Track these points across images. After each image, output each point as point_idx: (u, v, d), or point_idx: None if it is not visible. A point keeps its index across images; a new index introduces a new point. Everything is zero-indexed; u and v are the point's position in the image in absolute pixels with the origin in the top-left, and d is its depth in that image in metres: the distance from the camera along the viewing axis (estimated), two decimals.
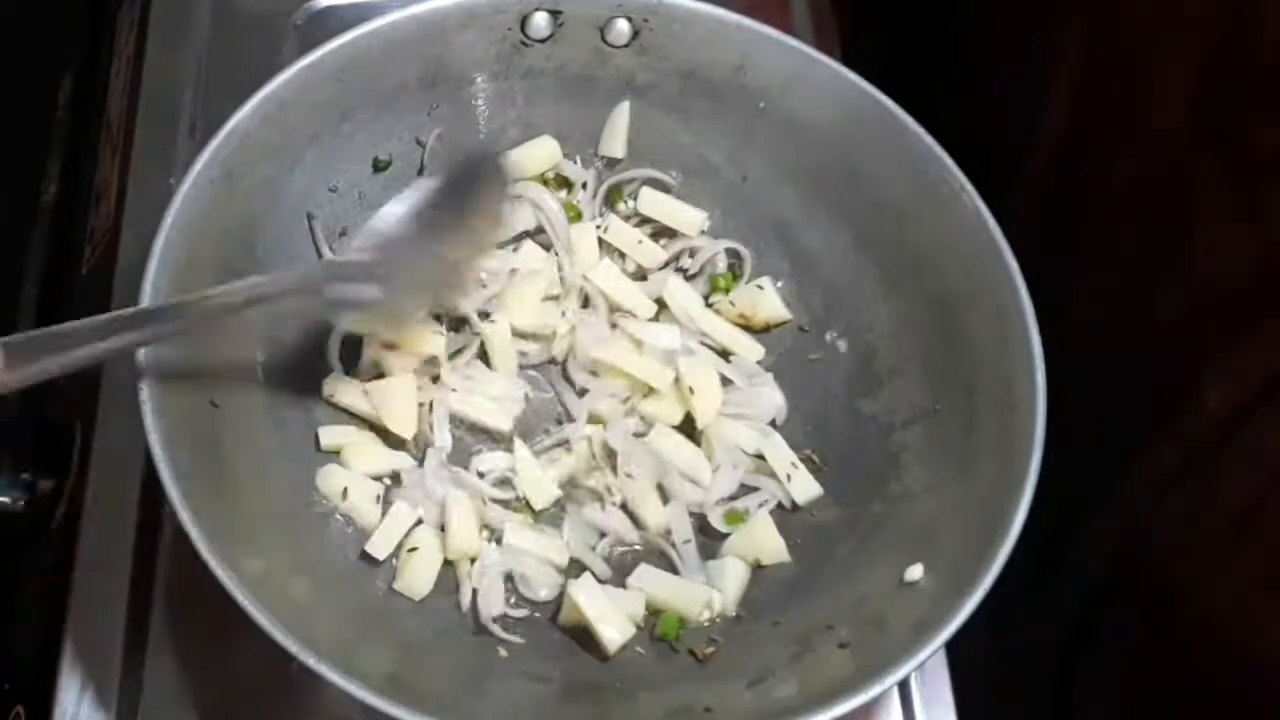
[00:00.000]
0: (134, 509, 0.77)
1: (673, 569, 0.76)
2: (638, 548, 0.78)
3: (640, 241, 0.85)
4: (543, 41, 0.82)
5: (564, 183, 0.86)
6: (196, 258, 0.71)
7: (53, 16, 1.06)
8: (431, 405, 0.78)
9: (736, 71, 0.81)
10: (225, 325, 0.69)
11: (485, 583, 0.74)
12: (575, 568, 0.76)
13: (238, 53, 0.94)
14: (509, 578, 0.75)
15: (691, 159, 0.85)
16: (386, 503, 0.76)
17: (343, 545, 0.74)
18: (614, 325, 0.83)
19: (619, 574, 0.76)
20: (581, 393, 0.81)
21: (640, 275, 0.85)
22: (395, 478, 0.77)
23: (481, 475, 0.77)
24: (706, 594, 0.75)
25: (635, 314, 0.83)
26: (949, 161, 0.76)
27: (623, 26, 0.81)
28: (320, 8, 0.97)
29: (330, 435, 0.77)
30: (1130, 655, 0.87)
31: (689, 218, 0.85)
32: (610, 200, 0.86)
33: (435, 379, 0.79)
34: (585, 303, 0.83)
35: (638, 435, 0.79)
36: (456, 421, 0.79)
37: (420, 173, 0.83)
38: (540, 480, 0.77)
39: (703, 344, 0.83)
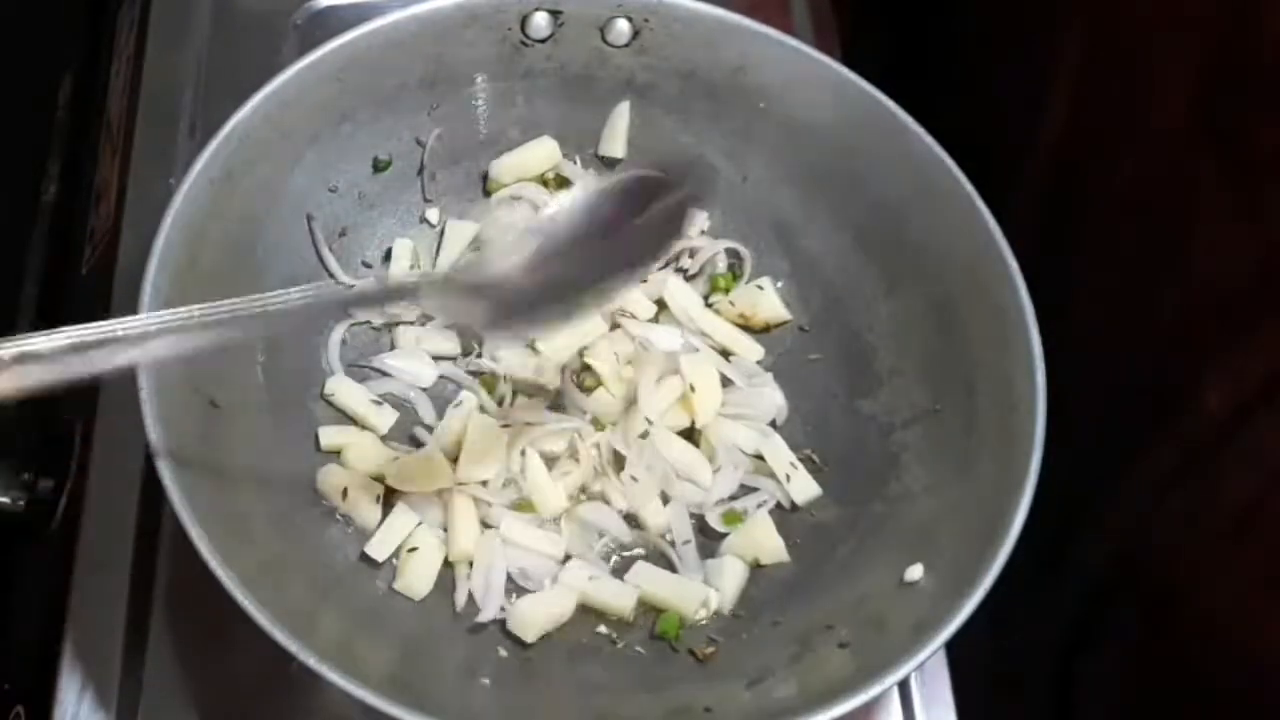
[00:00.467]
0: (134, 509, 0.77)
1: (672, 569, 0.76)
2: (640, 551, 0.78)
3: None
4: (543, 41, 0.82)
5: (564, 183, 0.86)
6: (196, 258, 0.71)
7: (53, 16, 1.06)
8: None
9: (736, 71, 0.81)
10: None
11: (485, 582, 0.74)
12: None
13: (238, 53, 0.94)
14: (509, 577, 0.75)
15: (692, 159, 0.85)
16: (387, 504, 0.76)
17: (343, 545, 0.74)
18: (615, 326, 0.83)
19: (618, 574, 0.76)
20: (589, 390, 0.81)
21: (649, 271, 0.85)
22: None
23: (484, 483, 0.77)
24: (704, 592, 0.75)
25: (635, 314, 0.83)
26: (949, 161, 0.76)
27: (623, 26, 0.81)
28: (320, 8, 0.97)
29: (330, 435, 0.77)
30: (1130, 655, 0.87)
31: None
32: None
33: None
34: None
35: (640, 437, 0.79)
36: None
37: (420, 173, 0.83)
38: (550, 492, 0.77)
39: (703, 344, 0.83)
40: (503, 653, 0.73)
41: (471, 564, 0.75)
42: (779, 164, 0.83)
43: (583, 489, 0.79)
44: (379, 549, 0.74)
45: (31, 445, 0.80)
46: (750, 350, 0.83)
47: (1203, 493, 0.78)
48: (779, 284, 0.85)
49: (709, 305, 0.85)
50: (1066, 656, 0.92)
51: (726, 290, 0.85)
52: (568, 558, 0.76)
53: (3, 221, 0.99)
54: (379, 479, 0.76)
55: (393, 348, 0.82)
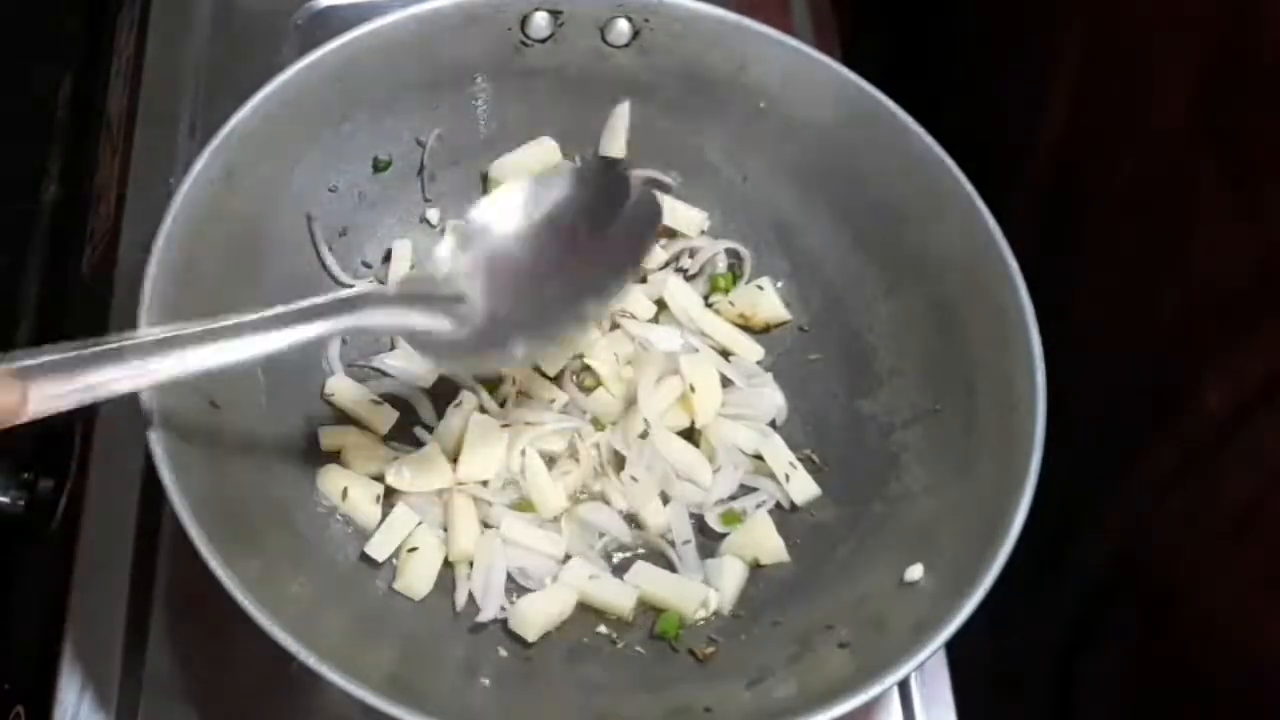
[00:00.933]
0: (134, 509, 0.77)
1: (672, 569, 0.76)
2: (641, 552, 0.78)
3: None
4: (543, 41, 0.82)
5: None
6: (196, 258, 0.71)
7: (53, 16, 1.06)
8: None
9: (736, 71, 0.81)
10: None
11: (485, 582, 0.74)
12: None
13: (238, 53, 0.94)
14: (509, 577, 0.75)
15: (691, 159, 0.85)
16: (387, 503, 0.76)
17: (343, 545, 0.74)
18: (615, 326, 0.83)
19: (618, 574, 0.76)
20: (589, 390, 0.81)
21: (640, 276, 0.85)
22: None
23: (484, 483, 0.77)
24: (703, 592, 0.75)
25: (635, 314, 0.83)
26: (949, 161, 0.76)
27: (623, 26, 0.81)
28: (320, 8, 0.97)
29: (330, 435, 0.77)
30: (1130, 655, 0.87)
31: (689, 218, 0.85)
32: None
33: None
34: None
35: (640, 436, 0.79)
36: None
37: (420, 173, 0.83)
38: (550, 492, 0.77)
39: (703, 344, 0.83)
40: (503, 653, 0.73)
41: (471, 564, 0.75)
42: (779, 164, 0.83)
43: (583, 489, 0.79)
44: (379, 549, 0.74)
45: (31, 445, 0.80)
46: (750, 350, 0.84)
47: (1203, 493, 0.78)
48: (779, 284, 0.85)
49: (709, 305, 0.85)
50: (1066, 656, 0.92)
51: (726, 290, 0.85)
52: (568, 557, 0.76)
53: (3, 221, 0.99)
54: (379, 479, 0.76)
55: (393, 348, 0.82)
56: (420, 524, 0.75)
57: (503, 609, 0.74)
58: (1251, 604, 0.75)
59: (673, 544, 0.77)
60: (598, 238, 0.65)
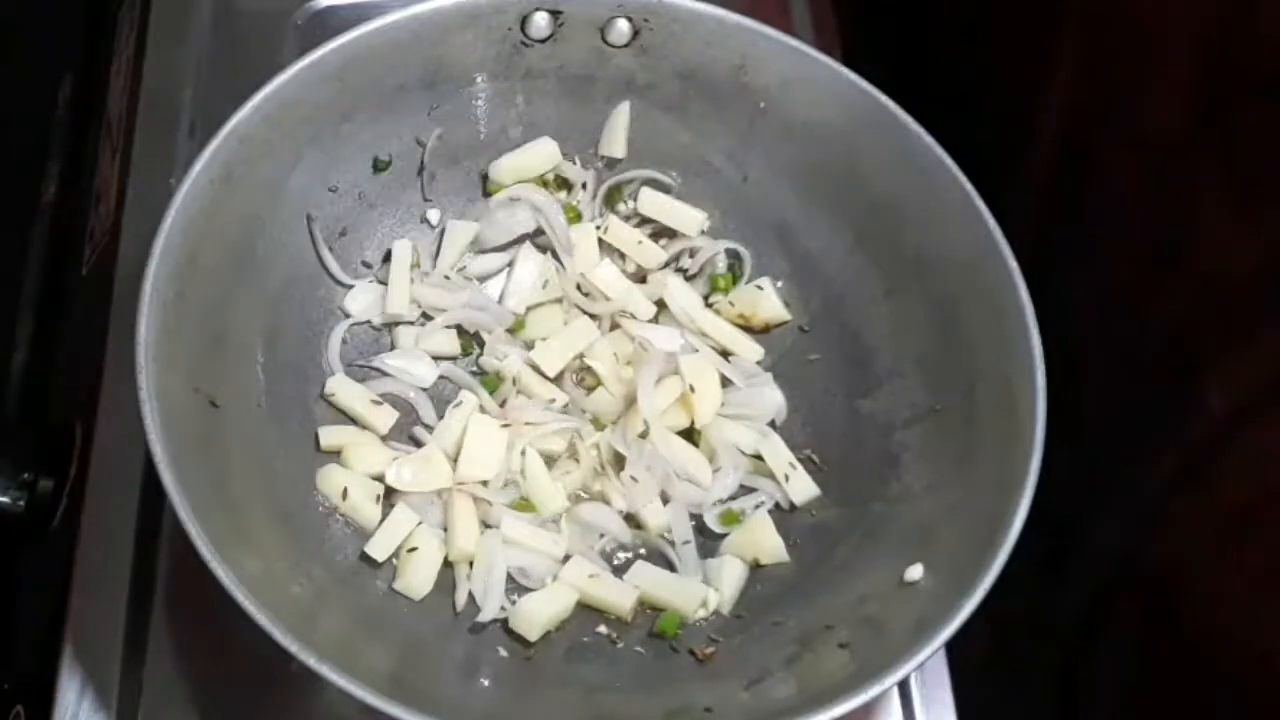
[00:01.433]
0: (134, 509, 0.77)
1: (672, 569, 0.76)
2: (641, 553, 0.78)
3: (640, 242, 0.85)
4: (543, 41, 0.82)
5: (564, 184, 0.86)
6: (196, 258, 0.71)
7: (53, 16, 1.06)
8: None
9: (736, 71, 0.81)
10: None
11: (485, 581, 0.74)
12: None
13: (238, 53, 0.94)
14: (509, 577, 0.75)
15: (691, 159, 0.85)
16: (387, 503, 0.76)
17: (343, 545, 0.74)
18: (615, 326, 0.83)
19: (618, 574, 0.76)
20: (589, 390, 0.81)
21: (640, 276, 0.85)
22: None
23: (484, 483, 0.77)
24: (703, 592, 0.75)
25: (635, 314, 0.83)
26: (949, 161, 0.76)
27: (623, 26, 0.81)
28: (320, 8, 0.97)
29: (330, 435, 0.77)
30: (1131, 656, 0.87)
31: (689, 218, 0.85)
32: (610, 201, 0.86)
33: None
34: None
35: (640, 436, 0.79)
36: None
37: (420, 173, 0.83)
38: (550, 491, 0.77)
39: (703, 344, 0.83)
40: (503, 653, 0.73)
41: (471, 564, 0.75)
42: (779, 164, 0.83)
43: (583, 489, 0.79)
44: (379, 549, 0.74)
45: (31, 445, 0.80)
46: (750, 350, 0.84)
47: (1203, 493, 0.78)
48: (779, 284, 0.85)
49: (709, 305, 0.85)
50: (1067, 657, 0.92)
51: (726, 290, 0.85)
52: (568, 557, 0.76)
53: (3, 221, 0.99)
54: (379, 479, 0.76)
55: (393, 348, 0.82)
56: (420, 524, 0.75)
57: (503, 609, 0.74)
58: (1252, 604, 0.74)
59: (672, 544, 0.77)
60: None
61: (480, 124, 0.84)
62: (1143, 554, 0.84)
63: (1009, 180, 0.85)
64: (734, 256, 0.86)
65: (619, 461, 0.79)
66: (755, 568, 0.77)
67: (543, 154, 0.85)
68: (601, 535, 0.77)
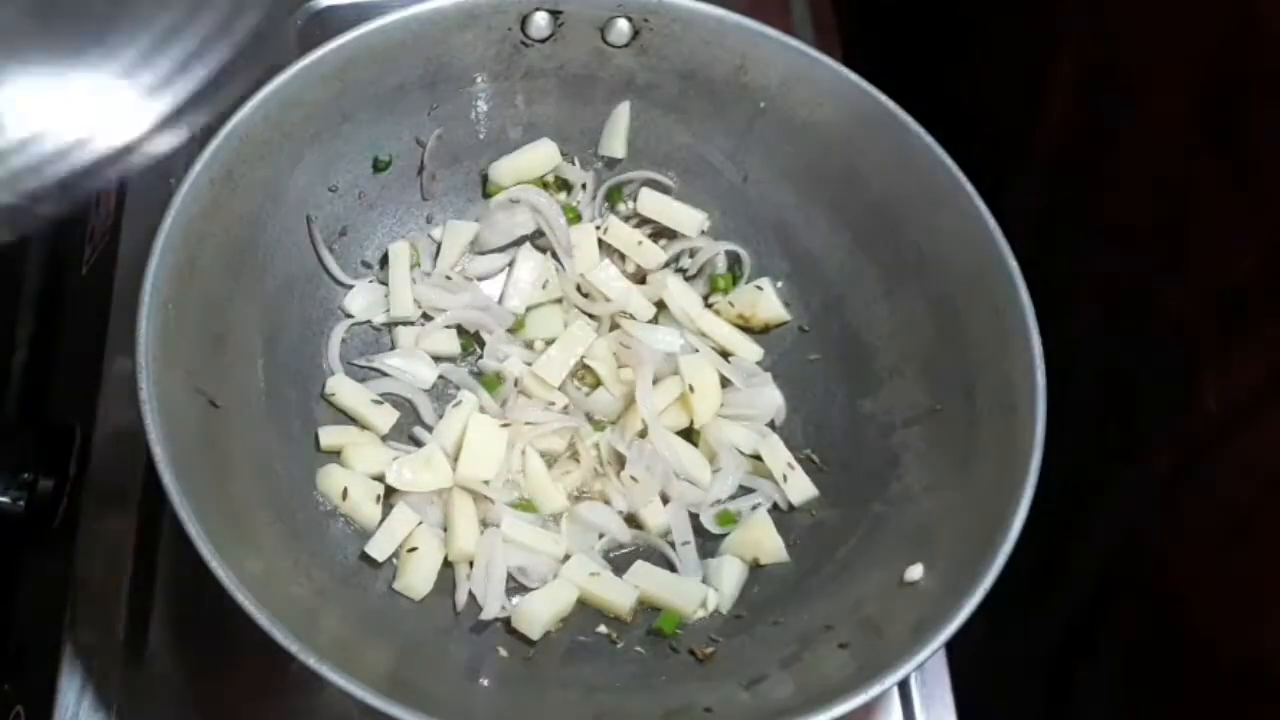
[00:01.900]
0: (134, 509, 0.77)
1: (671, 569, 0.76)
2: (640, 549, 0.78)
3: (640, 242, 0.85)
4: (543, 41, 0.82)
5: (564, 185, 0.86)
6: (196, 258, 0.71)
7: None
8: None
9: (736, 71, 0.81)
10: None
11: (486, 581, 0.74)
12: None
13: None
14: (509, 576, 0.75)
15: (691, 159, 0.85)
16: (387, 503, 0.76)
17: (343, 545, 0.74)
18: (614, 326, 0.83)
19: (617, 573, 0.76)
20: (589, 390, 0.81)
21: (640, 276, 0.85)
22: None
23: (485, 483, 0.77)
24: (702, 592, 0.75)
25: (635, 315, 0.83)
26: (949, 162, 0.76)
27: (623, 26, 0.81)
28: (320, 8, 0.97)
29: (330, 435, 0.77)
30: (1129, 656, 0.87)
31: (689, 218, 0.85)
32: (610, 201, 0.86)
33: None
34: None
35: (639, 436, 0.79)
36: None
37: (420, 173, 0.83)
38: (550, 491, 0.77)
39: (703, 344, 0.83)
40: (503, 652, 0.73)
41: (471, 563, 0.75)
42: (779, 164, 0.83)
43: (583, 489, 0.79)
44: (379, 549, 0.74)
45: (31, 445, 0.80)
46: (749, 351, 0.84)
47: (1202, 493, 0.78)
48: (779, 284, 0.85)
49: (709, 305, 0.85)
50: (1066, 657, 0.92)
51: (726, 291, 0.85)
52: (567, 557, 0.76)
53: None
54: (379, 479, 0.76)
55: (393, 348, 0.82)
56: (420, 524, 0.75)
57: (503, 608, 0.74)
58: (1250, 604, 0.75)
59: (672, 544, 0.77)
60: None
61: (480, 124, 0.84)
62: (1142, 553, 0.84)
63: (1009, 180, 0.85)
64: (734, 257, 0.86)
65: (619, 461, 0.79)
66: (755, 568, 0.77)
67: (542, 155, 0.85)
68: (601, 535, 0.77)
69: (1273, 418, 0.71)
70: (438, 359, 0.82)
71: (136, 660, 0.74)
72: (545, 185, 0.85)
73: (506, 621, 0.74)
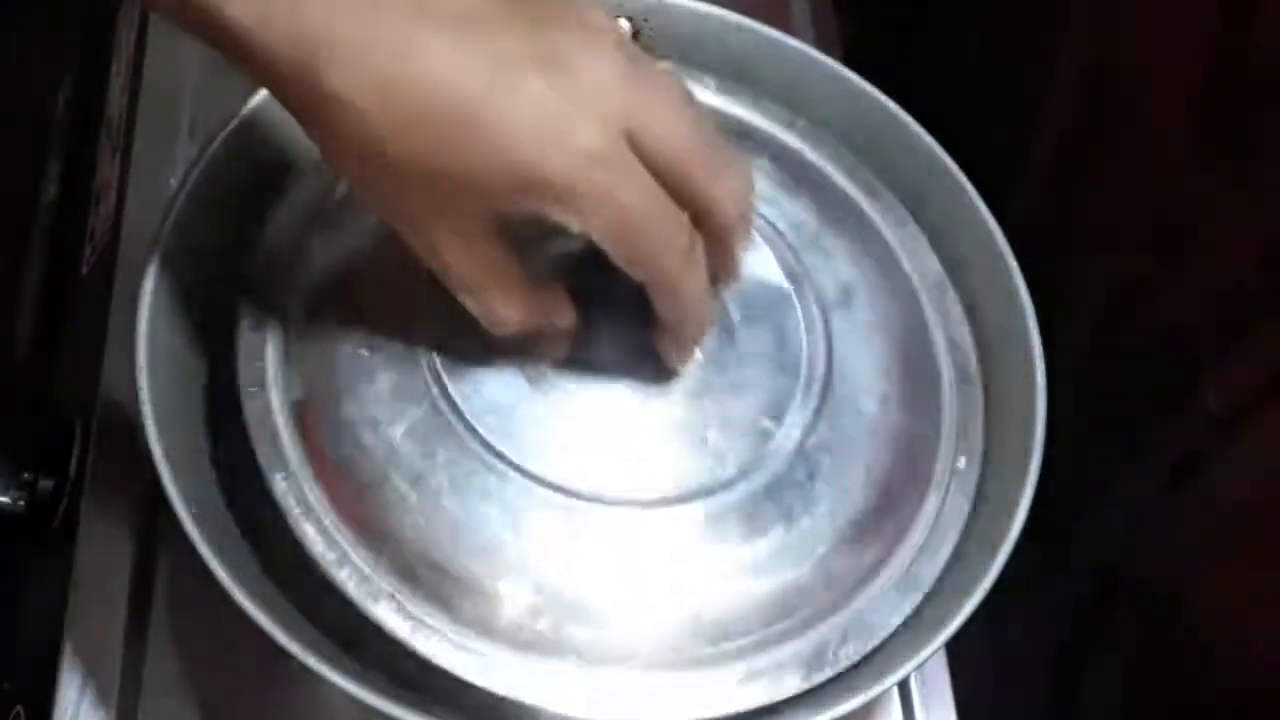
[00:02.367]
0: (134, 509, 0.77)
1: None
2: None
3: None
4: None
5: None
6: (197, 258, 0.71)
7: (53, 17, 1.06)
8: None
9: (737, 72, 0.81)
10: None
11: None
12: None
13: None
14: None
15: None
16: None
17: None
18: None
19: None
20: None
21: None
22: None
23: None
24: None
25: None
26: (949, 161, 0.76)
27: (623, 27, 0.81)
28: None
29: None
30: (1130, 655, 0.87)
31: None
32: None
33: None
34: None
35: None
36: None
37: None
38: None
39: None
40: None
41: None
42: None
43: None
44: None
45: (31, 445, 0.80)
46: None
47: (1203, 493, 0.78)
48: None
49: None
50: (1066, 656, 0.92)
51: None
52: None
53: (3, 221, 0.99)
54: None
55: None
56: None
57: None
58: (1252, 604, 0.75)
59: None
60: None
61: None
62: (1141, 554, 0.84)
63: (1009, 180, 0.85)
64: None
65: None
66: None
67: None
68: None
69: (1273, 418, 0.71)
70: None
71: (136, 660, 0.74)
72: None
73: None
